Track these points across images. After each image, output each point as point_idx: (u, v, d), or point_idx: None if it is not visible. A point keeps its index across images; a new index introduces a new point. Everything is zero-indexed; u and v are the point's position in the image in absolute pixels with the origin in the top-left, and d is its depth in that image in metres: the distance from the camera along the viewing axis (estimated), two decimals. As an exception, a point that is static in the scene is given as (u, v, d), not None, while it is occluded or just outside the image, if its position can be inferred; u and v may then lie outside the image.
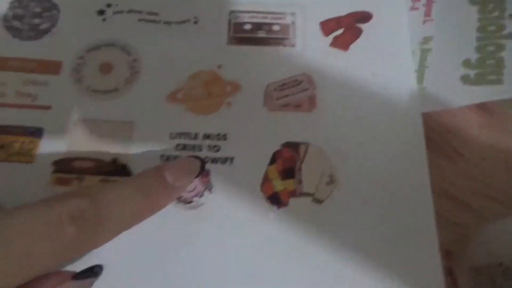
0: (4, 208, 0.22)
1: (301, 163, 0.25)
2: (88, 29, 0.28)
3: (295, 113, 0.26)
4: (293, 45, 0.28)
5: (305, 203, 0.24)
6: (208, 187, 0.25)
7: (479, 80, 0.25)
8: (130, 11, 0.29)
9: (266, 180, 0.25)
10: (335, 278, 0.23)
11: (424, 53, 0.27)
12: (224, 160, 0.25)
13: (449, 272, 0.25)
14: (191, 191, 0.24)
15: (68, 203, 0.19)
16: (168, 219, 0.24)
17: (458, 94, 0.25)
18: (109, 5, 0.29)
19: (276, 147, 0.26)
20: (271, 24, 0.29)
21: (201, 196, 0.24)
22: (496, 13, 0.25)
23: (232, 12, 0.29)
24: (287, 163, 0.25)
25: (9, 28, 0.28)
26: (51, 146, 0.25)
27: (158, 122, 0.26)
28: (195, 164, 0.24)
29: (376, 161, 0.25)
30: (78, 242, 0.19)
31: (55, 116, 0.26)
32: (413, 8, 0.29)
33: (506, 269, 0.24)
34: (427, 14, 0.28)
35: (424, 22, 0.28)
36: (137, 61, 0.27)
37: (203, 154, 0.25)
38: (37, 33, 0.28)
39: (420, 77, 0.27)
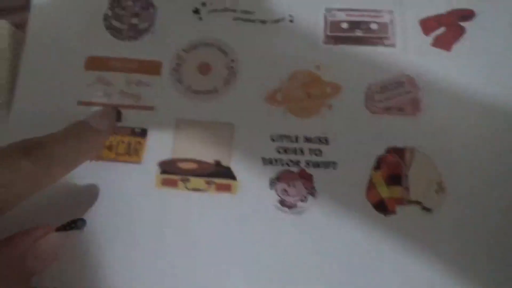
0: None
1: (408, 169, 0.24)
2: (185, 28, 0.28)
3: (398, 117, 0.26)
4: (392, 45, 0.27)
5: (414, 211, 0.23)
6: (312, 192, 0.24)
7: None
8: (224, 10, 0.29)
9: (371, 186, 0.24)
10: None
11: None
12: (327, 165, 0.25)
13: None
14: (294, 195, 0.24)
15: (18, 143, 0.21)
16: (274, 224, 0.24)
17: None
18: (203, 4, 0.29)
19: (380, 151, 0.25)
20: (368, 23, 0.28)
21: (305, 201, 0.24)
22: None
23: (327, 9, 0.28)
24: (393, 169, 0.24)
25: (109, 27, 0.28)
26: (156, 147, 0.25)
27: (258, 123, 0.26)
28: (109, 109, 0.26)
29: (489, 170, 0.24)
30: (35, 174, 0.21)
31: (158, 116, 0.26)
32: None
33: None
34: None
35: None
36: (235, 61, 0.27)
37: (304, 158, 0.25)
38: (136, 33, 0.28)
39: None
